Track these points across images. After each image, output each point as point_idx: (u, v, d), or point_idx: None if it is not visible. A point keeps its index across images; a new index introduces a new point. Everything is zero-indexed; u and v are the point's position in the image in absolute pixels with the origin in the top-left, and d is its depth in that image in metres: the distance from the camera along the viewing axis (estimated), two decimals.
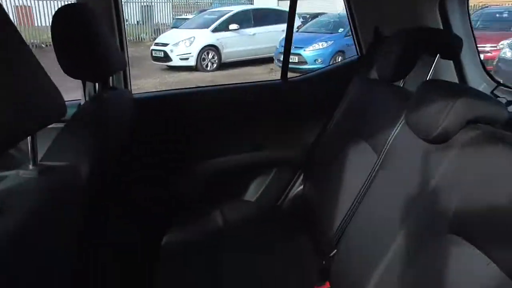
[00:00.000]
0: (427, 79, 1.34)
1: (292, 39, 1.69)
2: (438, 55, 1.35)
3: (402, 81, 1.38)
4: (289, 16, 1.65)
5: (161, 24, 13.17)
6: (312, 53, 8.36)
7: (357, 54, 1.76)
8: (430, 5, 1.46)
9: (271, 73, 8.05)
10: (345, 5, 1.69)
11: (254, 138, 1.75)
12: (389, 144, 1.17)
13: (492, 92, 1.47)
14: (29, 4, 11.80)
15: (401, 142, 1.11)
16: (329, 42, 8.49)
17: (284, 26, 1.72)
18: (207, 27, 9.04)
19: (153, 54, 8.84)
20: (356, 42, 1.73)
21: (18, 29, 0.59)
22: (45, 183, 0.66)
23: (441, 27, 1.44)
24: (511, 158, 0.78)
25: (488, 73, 1.46)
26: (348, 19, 1.72)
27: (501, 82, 1.44)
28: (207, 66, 8.79)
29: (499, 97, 1.41)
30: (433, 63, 1.34)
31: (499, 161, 0.80)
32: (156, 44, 9.01)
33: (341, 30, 8.73)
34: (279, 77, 1.78)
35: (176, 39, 8.78)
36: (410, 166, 1.03)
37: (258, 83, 1.80)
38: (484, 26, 6.09)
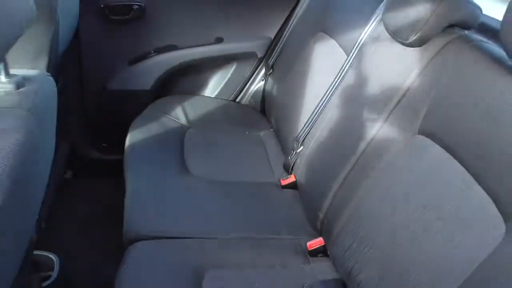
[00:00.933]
0: None
1: None
2: None
3: None
4: None
5: None
6: None
7: None
8: None
9: None
10: None
11: (214, 30, 1.66)
12: (361, 43, 1.18)
13: None
14: None
15: (374, 43, 1.12)
16: None
17: None
18: None
19: None
20: None
21: None
22: (26, 97, 0.61)
23: None
24: (482, 64, 0.83)
25: None
26: None
27: None
28: None
29: None
30: None
31: (471, 66, 0.85)
32: None
33: None
34: None
35: None
36: (384, 67, 1.06)
37: None
38: None
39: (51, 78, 0.72)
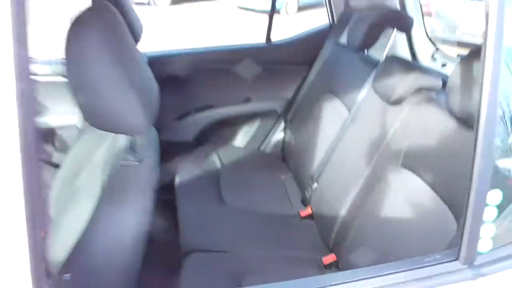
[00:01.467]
0: (387, 51, 1.71)
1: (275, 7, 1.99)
2: (395, 28, 1.71)
3: (366, 50, 1.73)
4: None
5: None
6: None
7: (329, 23, 2.07)
8: None
9: None
10: None
11: (243, 92, 2.07)
12: (358, 103, 1.55)
13: (432, 56, 1.87)
14: None
15: (367, 103, 1.49)
16: None
17: None
18: None
19: None
20: (328, 13, 2.04)
21: None
22: (152, 137, 0.97)
23: (399, 8, 1.78)
24: (439, 116, 1.17)
25: (430, 40, 1.85)
26: None
27: (439, 48, 1.84)
28: None
29: (439, 61, 1.81)
30: (391, 36, 1.70)
31: (433, 118, 1.20)
32: None
33: None
34: None
35: None
36: (374, 121, 1.42)
37: (247, 45, 2.08)
38: None
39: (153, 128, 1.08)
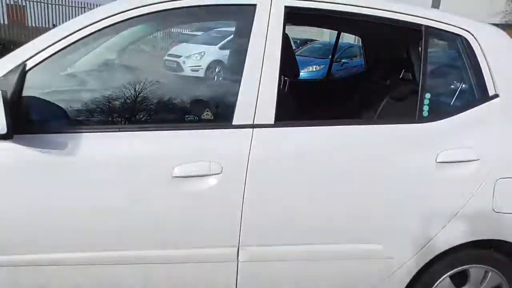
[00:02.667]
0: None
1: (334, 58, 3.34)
2: (404, 69, 3.00)
3: (388, 80, 3.01)
4: (334, 47, 3.32)
5: None
6: (306, 75, 9.61)
7: (364, 67, 3.40)
8: (402, 48, 3.12)
9: None
10: (362, 46, 3.36)
11: (310, 107, 3.34)
12: (382, 106, 2.78)
13: None
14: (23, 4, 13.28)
15: (387, 104, 2.73)
16: (321, 66, 9.86)
17: None
18: (215, 44, 10.26)
19: (166, 64, 9.67)
20: (365, 62, 3.38)
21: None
22: None
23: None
24: None
25: None
26: (362, 50, 3.38)
27: None
28: (214, 78, 9.88)
29: None
30: (401, 73, 2.99)
31: None
32: (170, 55, 10.09)
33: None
34: None
35: (188, 53, 10.01)
36: (391, 112, 2.64)
37: (316, 79, 3.41)
38: None
39: None
